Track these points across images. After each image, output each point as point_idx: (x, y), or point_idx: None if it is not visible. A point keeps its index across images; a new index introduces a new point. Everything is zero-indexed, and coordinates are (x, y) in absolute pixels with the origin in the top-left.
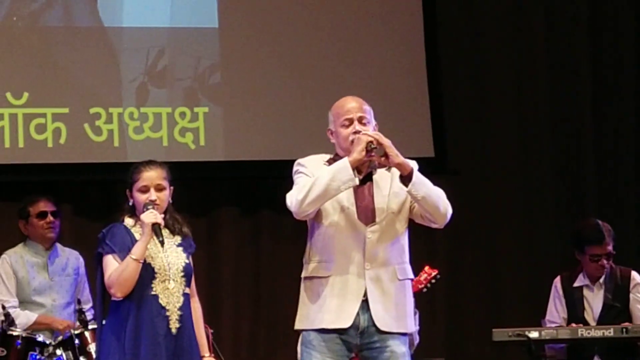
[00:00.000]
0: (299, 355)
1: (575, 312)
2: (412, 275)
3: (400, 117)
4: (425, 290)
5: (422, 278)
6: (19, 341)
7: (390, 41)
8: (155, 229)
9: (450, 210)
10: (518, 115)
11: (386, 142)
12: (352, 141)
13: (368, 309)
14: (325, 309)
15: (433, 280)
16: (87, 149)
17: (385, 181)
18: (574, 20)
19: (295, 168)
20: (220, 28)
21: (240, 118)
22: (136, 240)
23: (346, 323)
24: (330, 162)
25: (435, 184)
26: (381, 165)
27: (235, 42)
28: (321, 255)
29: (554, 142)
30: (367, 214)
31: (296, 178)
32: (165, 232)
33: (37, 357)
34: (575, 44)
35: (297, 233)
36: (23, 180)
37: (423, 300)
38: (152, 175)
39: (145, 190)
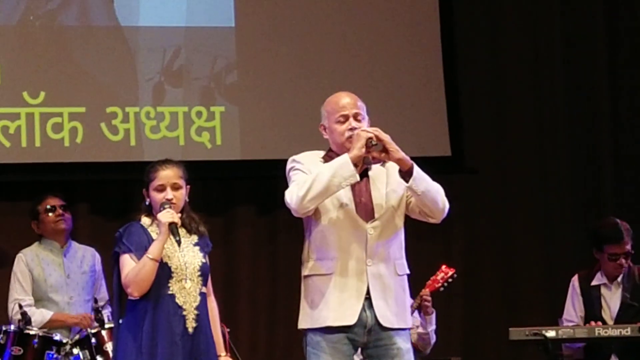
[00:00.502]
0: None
1: (593, 311)
2: (408, 271)
3: (416, 116)
4: (442, 289)
5: (439, 277)
6: (36, 340)
7: (406, 40)
8: (172, 228)
9: (447, 206)
10: (535, 113)
11: (385, 137)
12: (348, 137)
13: (372, 306)
14: (328, 306)
15: (450, 279)
16: (103, 148)
17: (381, 177)
18: (591, 16)
19: (290, 165)
20: (237, 27)
21: (257, 117)
22: (153, 240)
23: (351, 320)
24: (325, 158)
25: (452, 182)
26: (376, 161)
27: (252, 41)
28: (321, 252)
29: (572, 140)
30: (366, 210)
31: (293, 175)
32: (182, 232)
33: (54, 356)
34: (594, 41)
35: None
36: (40, 180)
37: (440, 299)
38: (168, 174)
39: (161, 189)
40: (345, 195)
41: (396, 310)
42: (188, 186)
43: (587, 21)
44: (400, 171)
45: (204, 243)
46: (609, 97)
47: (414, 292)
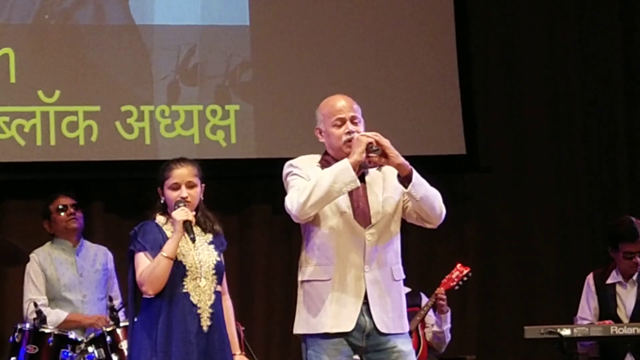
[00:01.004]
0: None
1: (608, 309)
2: (404, 276)
3: (431, 115)
4: (457, 287)
5: (454, 276)
6: (51, 338)
7: (421, 39)
8: (187, 226)
9: (444, 211)
10: (550, 111)
11: (385, 142)
12: (346, 141)
13: (370, 312)
14: (325, 313)
15: (465, 278)
16: (118, 147)
17: (378, 182)
18: (606, 13)
19: (287, 170)
20: (252, 25)
21: (272, 115)
22: (167, 238)
23: (348, 326)
24: (321, 162)
25: (467, 181)
26: (372, 165)
27: (266, 39)
28: (319, 258)
29: (587, 139)
30: (364, 216)
31: (290, 180)
32: (197, 230)
33: (69, 354)
34: (609, 40)
35: None
36: (55, 178)
37: (454, 297)
38: (183, 173)
39: (176, 187)
40: (343, 201)
41: (393, 315)
42: (203, 185)
43: (603, 19)
44: (399, 176)
45: (218, 241)
46: (625, 95)
47: (429, 291)
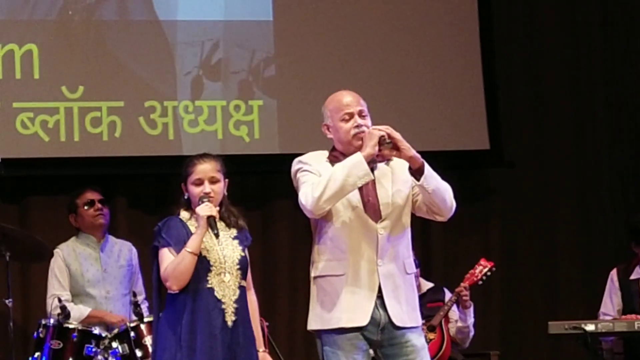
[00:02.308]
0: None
1: (632, 305)
2: (415, 269)
3: (455, 110)
4: (480, 282)
5: (477, 271)
6: (75, 334)
7: (444, 35)
8: (211, 221)
9: (454, 204)
10: (573, 106)
11: (397, 135)
12: (355, 135)
13: (384, 305)
14: (340, 308)
15: (488, 273)
16: (142, 143)
17: (387, 176)
18: (631, 6)
19: (297, 166)
20: (275, 20)
21: (295, 111)
22: (191, 234)
23: (363, 321)
24: (330, 158)
25: (490, 176)
26: (381, 159)
27: (290, 34)
28: (332, 253)
29: (610, 134)
30: (374, 210)
31: (301, 176)
32: (221, 225)
33: (93, 349)
34: (633, 33)
35: None
36: (78, 174)
37: (478, 292)
38: (206, 168)
39: (199, 183)
40: (354, 195)
41: (407, 309)
42: (226, 180)
43: (627, 12)
44: (410, 169)
45: (243, 236)
46: None
47: (454, 286)
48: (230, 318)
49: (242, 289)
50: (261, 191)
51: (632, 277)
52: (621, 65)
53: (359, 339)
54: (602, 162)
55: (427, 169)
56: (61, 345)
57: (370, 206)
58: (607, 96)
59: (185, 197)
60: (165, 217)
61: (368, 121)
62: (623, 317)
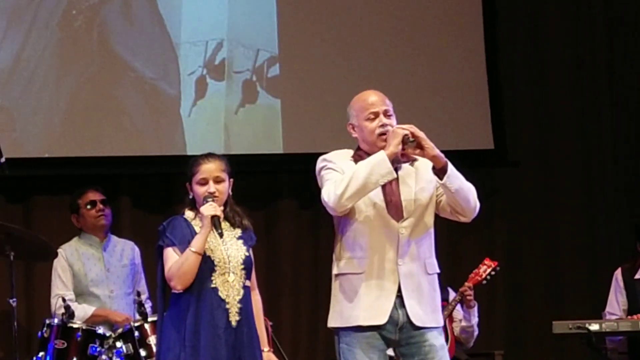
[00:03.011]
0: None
1: (637, 304)
2: (438, 270)
3: (459, 110)
4: (484, 282)
5: (481, 270)
6: (79, 333)
7: (449, 34)
8: (215, 221)
9: (478, 205)
10: (578, 105)
11: (421, 134)
12: (380, 134)
13: (403, 305)
14: (359, 306)
15: (493, 272)
16: (146, 142)
17: (410, 176)
18: (634, 5)
19: (321, 164)
20: (279, 20)
21: (299, 110)
22: (196, 233)
23: (382, 319)
24: (355, 157)
25: (494, 175)
26: (405, 160)
27: (294, 34)
28: (353, 251)
29: (614, 133)
30: (396, 209)
31: (325, 174)
32: (226, 225)
33: (97, 349)
34: (637, 33)
35: None
36: (83, 174)
37: (482, 292)
38: (210, 168)
39: (204, 182)
40: (376, 194)
41: (427, 309)
42: (231, 180)
43: (631, 12)
44: (434, 168)
45: (247, 236)
46: None
47: (458, 286)
48: (234, 318)
49: (247, 289)
50: (265, 191)
51: (637, 276)
52: (626, 64)
53: (375, 338)
54: (606, 161)
55: (451, 168)
56: (65, 344)
57: (393, 205)
58: (612, 95)
59: (190, 196)
60: (170, 216)
61: (393, 120)
62: (630, 317)
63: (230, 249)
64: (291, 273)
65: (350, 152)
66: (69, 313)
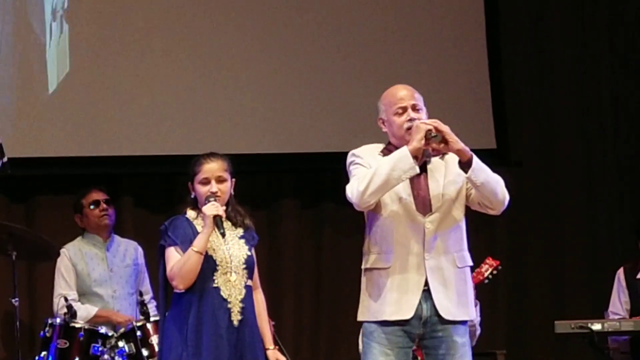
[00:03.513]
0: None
1: (638, 304)
2: (470, 262)
3: (461, 109)
4: (486, 281)
5: (483, 269)
6: (82, 333)
7: (451, 33)
8: (217, 221)
9: (507, 197)
10: (580, 105)
11: (445, 128)
12: (408, 129)
13: (430, 299)
14: (386, 301)
15: (494, 272)
16: (148, 142)
17: (440, 170)
18: (637, 9)
19: (350, 159)
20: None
21: (301, 110)
22: (198, 233)
23: (407, 314)
24: (384, 151)
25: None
26: (435, 154)
27: (294, 33)
28: (380, 246)
29: (617, 132)
30: (424, 203)
31: (353, 169)
32: (228, 225)
33: (99, 349)
34: (639, 33)
35: (358, 225)
36: (85, 173)
37: (484, 291)
38: (213, 168)
39: (206, 182)
40: (404, 189)
41: (457, 301)
42: (233, 179)
43: (633, 12)
44: (459, 162)
45: (249, 236)
46: None
47: None
48: (236, 317)
49: (249, 289)
50: (267, 190)
51: (639, 276)
52: (628, 65)
53: (397, 334)
54: (608, 161)
55: (476, 161)
56: (67, 344)
57: (420, 199)
58: (614, 95)
59: (192, 196)
60: (172, 216)
61: (422, 115)
62: (635, 317)
63: (232, 248)
64: (293, 273)
65: (380, 146)
66: (71, 313)
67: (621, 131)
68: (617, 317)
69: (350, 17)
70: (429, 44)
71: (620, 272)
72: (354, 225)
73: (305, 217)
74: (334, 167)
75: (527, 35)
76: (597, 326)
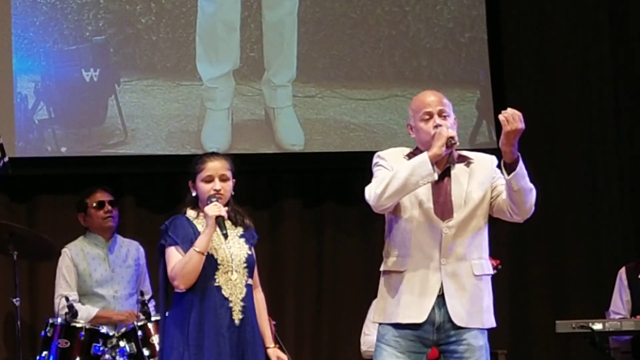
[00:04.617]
0: (361, 347)
1: None
2: (490, 271)
3: (463, 108)
4: None
5: None
6: (83, 333)
7: (452, 33)
8: (219, 222)
9: (534, 208)
10: (582, 103)
11: (510, 116)
12: (434, 135)
13: (444, 304)
14: (401, 304)
15: (495, 271)
16: (150, 141)
17: (464, 176)
18: (639, 10)
19: (374, 160)
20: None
21: (302, 110)
22: (198, 232)
23: (420, 318)
24: (410, 155)
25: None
26: (460, 160)
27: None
28: (399, 250)
29: (619, 131)
30: (444, 209)
31: (375, 171)
32: (228, 224)
33: (101, 348)
34: None
35: (360, 225)
36: (86, 173)
37: None
38: (216, 166)
39: (209, 180)
40: (425, 193)
41: (471, 309)
42: (234, 180)
43: (635, 6)
44: (503, 163)
45: (249, 235)
46: None
47: None
48: (237, 316)
49: (249, 288)
50: (269, 190)
51: None
52: (631, 60)
53: (409, 339)
54: (611, 159)
55: (520, 166)
56: (69, 344)
57: (440, 205)
58: (617, 92)
59: (193, 194)
60: (173, 216)
61: (449, 121)
62: (638, 317)
63: (233, 247)
64: (295, 273)
65: (407, 150)
66: (72, 313)
67: (624, 130)
68: (618, 316)
69: (354, 17)
70: (430, 44)
71: (622, 272)
72: (356, 225)
73: (307, 217)
74: (336, 167)
75: (529, 35)
76: (598, 326)
